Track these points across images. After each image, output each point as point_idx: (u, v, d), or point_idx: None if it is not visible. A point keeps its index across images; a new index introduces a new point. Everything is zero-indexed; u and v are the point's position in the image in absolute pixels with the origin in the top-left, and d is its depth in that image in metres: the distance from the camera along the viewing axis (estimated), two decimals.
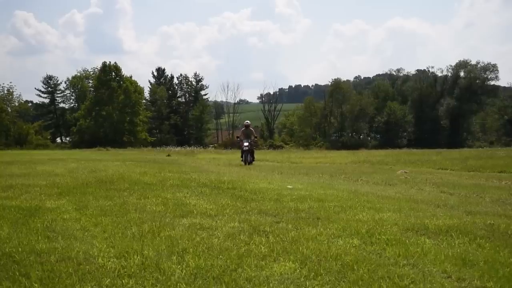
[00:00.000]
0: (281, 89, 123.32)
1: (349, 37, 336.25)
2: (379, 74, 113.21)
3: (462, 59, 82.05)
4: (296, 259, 4.12)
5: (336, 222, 5.84)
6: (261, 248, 4.45)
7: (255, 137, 21.86)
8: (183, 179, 10.75)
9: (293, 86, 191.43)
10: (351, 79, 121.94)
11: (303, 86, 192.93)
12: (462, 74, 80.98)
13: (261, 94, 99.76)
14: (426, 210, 7.16)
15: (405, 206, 7.48)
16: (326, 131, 79.78)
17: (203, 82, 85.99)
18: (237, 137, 23.14)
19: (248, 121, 22.38)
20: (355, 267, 3.90)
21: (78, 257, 4.01)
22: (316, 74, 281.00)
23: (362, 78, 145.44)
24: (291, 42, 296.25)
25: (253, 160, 21.26)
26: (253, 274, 3.69)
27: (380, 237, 4.97)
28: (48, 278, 3.45)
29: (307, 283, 3.56)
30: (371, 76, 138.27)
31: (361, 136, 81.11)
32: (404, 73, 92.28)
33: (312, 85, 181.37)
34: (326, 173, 17.01)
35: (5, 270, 3.64)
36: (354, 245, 4.68)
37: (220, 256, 4.14)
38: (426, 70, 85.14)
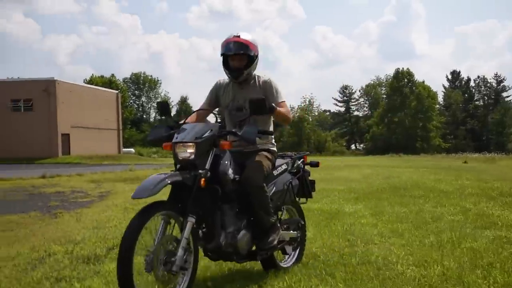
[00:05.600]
0: None
1: None
2: None
3: None
4: None
5: None
6: None
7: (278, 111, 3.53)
8: (483, 188, 10.02)
9: None
10: None
11: None
12: None
13: None
14: None
15: None
16: None
17: (505, 83, 78.64)
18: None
19: (243, 33, 3.50)
20: None
21: (377, 261, 4.09)
22: None
23: None
24: None
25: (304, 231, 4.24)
26: None
27: None
28: (351, 280, 3.60)
29: None
30: None
31: None
32: None
33: None
34: None
35: (313, 268, 3.96)
36: None
37: None
38: None
